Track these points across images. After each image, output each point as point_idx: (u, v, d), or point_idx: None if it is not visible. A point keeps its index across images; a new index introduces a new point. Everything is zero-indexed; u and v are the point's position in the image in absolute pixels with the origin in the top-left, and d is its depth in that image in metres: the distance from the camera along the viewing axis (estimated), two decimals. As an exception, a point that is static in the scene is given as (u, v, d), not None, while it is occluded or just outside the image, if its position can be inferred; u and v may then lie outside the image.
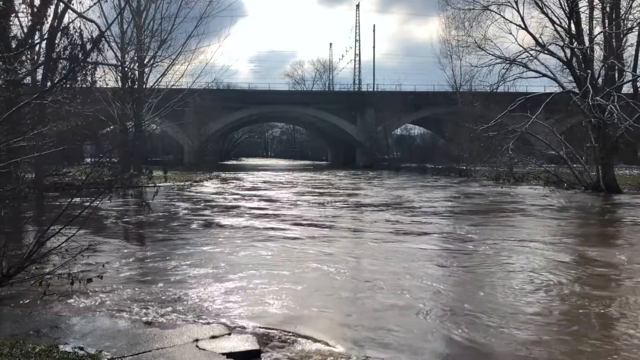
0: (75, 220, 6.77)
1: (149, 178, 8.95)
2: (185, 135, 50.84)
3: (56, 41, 6.97)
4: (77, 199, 7.53)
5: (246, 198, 19.91)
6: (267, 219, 13.70)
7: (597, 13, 24.72)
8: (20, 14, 9.77)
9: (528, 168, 30.12)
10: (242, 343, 4.74)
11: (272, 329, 5.25)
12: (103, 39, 6.94)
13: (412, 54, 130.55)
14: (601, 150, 23.29)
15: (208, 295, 6.41)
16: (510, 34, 25.59)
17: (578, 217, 15.35)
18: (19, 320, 5.33)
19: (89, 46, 6.56)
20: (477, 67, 26.44)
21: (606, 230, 13.00)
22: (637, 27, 24.85)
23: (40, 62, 12.04)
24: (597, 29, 24.71)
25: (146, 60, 34.41)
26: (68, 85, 7.61)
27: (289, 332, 5.16)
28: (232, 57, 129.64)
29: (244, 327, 5.29)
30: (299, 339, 4.99)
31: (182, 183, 28.03)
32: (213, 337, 4.83)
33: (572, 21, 23.70)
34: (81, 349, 4.47)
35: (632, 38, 26.19)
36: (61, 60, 7.13)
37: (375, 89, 63.54)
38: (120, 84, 31.68)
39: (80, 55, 6.57)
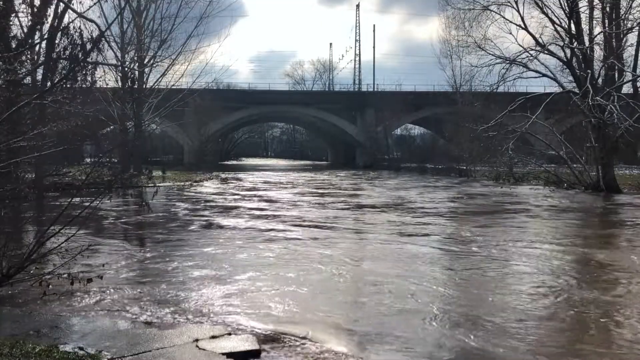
0: (75, 220, 6.77)
1: (148, 178, 8.95)
2: (185, 135, 50.84)
3: (56, 41, 6.97)
4: (77, 199, 7.54)
5: (246, 198, 19.91)
6: (268, 219, 13.63)
7: (597, 13, 24.75)
8: (20, 14, 9.78)
9: (528, 168, 30.12)
10: (242, 343, 4.74)
11: (273, 329, 5.23)
12: (103, 39, 6.94)
13: (412, 54, 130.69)
14: (601, 150, 23.29)
15: (208, 296, 6.39)
16: (510, 34, 25.64)
17: (583, 218, 15.29)
18: (19, 320, 5.33)
19: (89, 46, 6.57)
20: (477, 67, 26.49)
21: (613, 231, 12.84)
22: (637, 27, 24.88)
23: (40, 62, 12.05)
24: (597, 29, 24.76)
25: (146, 60, 34.41)
26: (68, 85, 7.61)
27: (290, 333, 5.13)
28: (232, 57, 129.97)
29: (244, 328, 5.27)
30: (300, 339, 4.97)
31: (182, 183, 28.02)
32: (213, 337, 4.83)
33: (572, 21, 23.70)
34: (81, 349, 4.47)
35: (632, 38, 26.24)
36: (61, 60, 7.13)
37: (375, 89, 63.55)
38: (120, 84, 31.68)
39: (80, 55, 6.57)
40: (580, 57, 23.66)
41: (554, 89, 26.14)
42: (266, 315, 5.67)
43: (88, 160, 31.13)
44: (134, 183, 10.62)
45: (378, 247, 9.82)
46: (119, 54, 31.21)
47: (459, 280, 7.37)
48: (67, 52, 6.64)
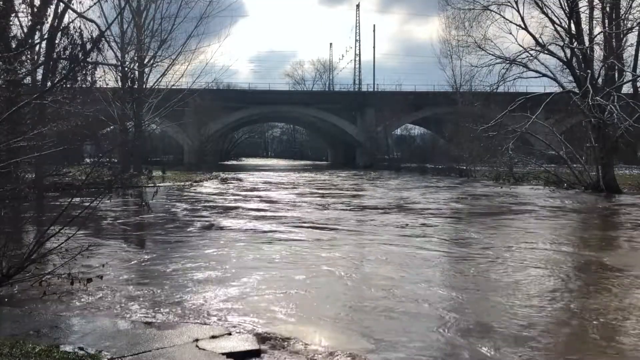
0: (75, 220, 6.77)
1: (148, 178, 8.93)
2: (185, 135, 50.85)
3: (56, 41, 6.96)
4: (77, 199, 7.54)
5: (247, 199, 19.89)
6: (269, 220, 13.54)
7: (597, 13, 24.74)
8: (20, 14, 9.78)
9: (528, 168, 30.13)
10: (242, 343, 4.74)
11: (273, 330, 5.22)
12: (103, 38, 6.94)
13: (412, 54, 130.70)
14: (601, 150, 23.29)
15: (208, 297, 6.39)
16: (510, 34, 25.63)
17: (591, 220, 15.13)
18: (19, 320, 5.33)
19: (89, 46, 6.56)
20: (477, 67, 26.46)
21: (622, 233, 12.50)
22: (637, 27, 24.86)
23: (40, 62, 12.05)
24: (597, 29, 24.75)
25: (146, 60, 34.41)
26: (68, 85, 7.60)
27: (291, 335, 5.11)
28: (232, 57, 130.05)
29: (244, 328, 5.27)
30: (304, 342, 4.93)
31: (182, 183, 28.02)
32: (213, 337, 4.83)
33: (572, 21, 23.70)
34: (81, 349, 4.47)
35: (632, 38, 26.20)
36: (61, 60, 7.13)
37: (375, 89, 63.56)
38: (120, 84, 31.66)
39: (80, 55, 6.57)
40: (580, 57, 23.65)
41: (554, 89, 26.15)
42: (267, 316, 5.64)
43: (88, 160, 31.14)
44: (134, 183, 10.61)
45: (385, 250, 9.52)
46: (119, 54, 31.22)
47: (470, 285, 7.14)
48: (67, 52, 6.64)
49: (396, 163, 51.17)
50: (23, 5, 8.49)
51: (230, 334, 4.98)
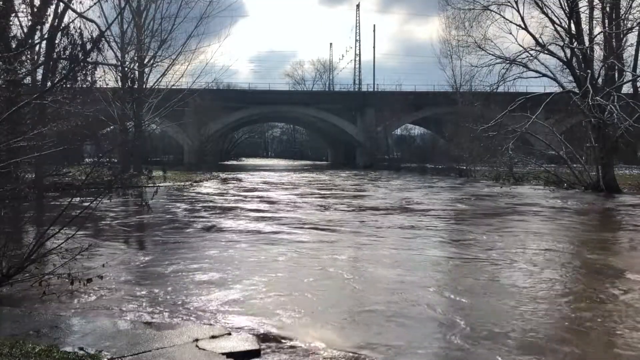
0: (75, 220, 6.77)
1: (148, 178, 8.93)
2: (185, 135, 50.83)
3: (56, 41, 6.97)
4: (77, 199, 7.53)
5: (247, 199, 19.87)
6: (269, 221, 13.47)
7: (597, 13, 24.75)
8: (20, 14, 9.81)
9: (528, 168, 30.11)
10: (242, 343, 4.74)
11: (273, 330, 5.22)
12: (103, 38, 6.94)
13: (412, 54, 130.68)
14: (601, 150, 23.30)
15: (208, 297, 6.38)
16: (510, 34, 25.66)
17: (597, 222, 15.09)
18: (19, 320, 5.33)
19: (89, 46, 6.57)
20: (477, 67, 26.49)
21: (627, 235, 12.34)
22: (637, 27, 24.87)
23: (40, 62, 12.06)
24: (597, 29, 24.76)
25: (146, 60, 34.43)
26: (68, 85, 7.60)
27: (291, 335, 5.10)
28: (232, 57, 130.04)
29: (244, 329, 5.26)
30: (302, 341, 4.93)
31: (182, 183, 28.02)
32: (213, 337, 4.83)
33: (572, 21, 23.71)
34: (81, 349, 4.47)
35: (632, 38, 26.23)
36: (61, 60, 7.13)
37: (375, 89, 63.54)
38: (120, 84, 31.67)
39: (80, 55, 6.57)
40: (580, 57, 23.66)
41: (554, 89, 26.16)
42: (267, 317, 5.63)
43: (88, 160, 31.15)
44: (134, 183, 10.60)
45: (391, 253, 9.36)
46: (119, 54, 31.24)
47: (479, 289, 6.93)
48: (67, 52, 6.64)
49: (396, 163, 51.21)
50: (23, 5, 8.52)
51: (230, 334, 4.98)
